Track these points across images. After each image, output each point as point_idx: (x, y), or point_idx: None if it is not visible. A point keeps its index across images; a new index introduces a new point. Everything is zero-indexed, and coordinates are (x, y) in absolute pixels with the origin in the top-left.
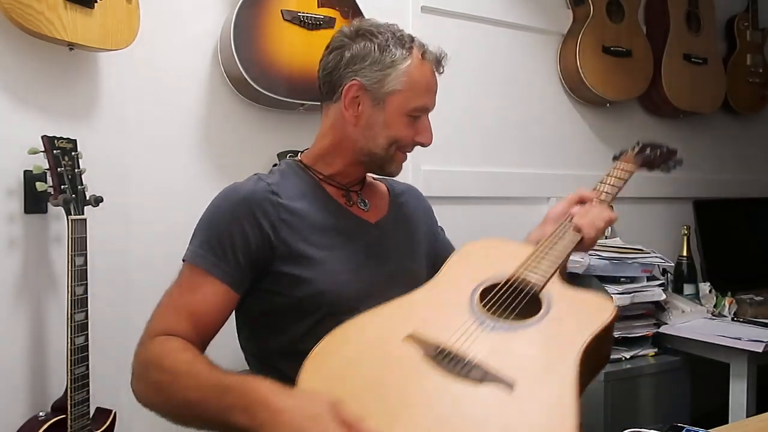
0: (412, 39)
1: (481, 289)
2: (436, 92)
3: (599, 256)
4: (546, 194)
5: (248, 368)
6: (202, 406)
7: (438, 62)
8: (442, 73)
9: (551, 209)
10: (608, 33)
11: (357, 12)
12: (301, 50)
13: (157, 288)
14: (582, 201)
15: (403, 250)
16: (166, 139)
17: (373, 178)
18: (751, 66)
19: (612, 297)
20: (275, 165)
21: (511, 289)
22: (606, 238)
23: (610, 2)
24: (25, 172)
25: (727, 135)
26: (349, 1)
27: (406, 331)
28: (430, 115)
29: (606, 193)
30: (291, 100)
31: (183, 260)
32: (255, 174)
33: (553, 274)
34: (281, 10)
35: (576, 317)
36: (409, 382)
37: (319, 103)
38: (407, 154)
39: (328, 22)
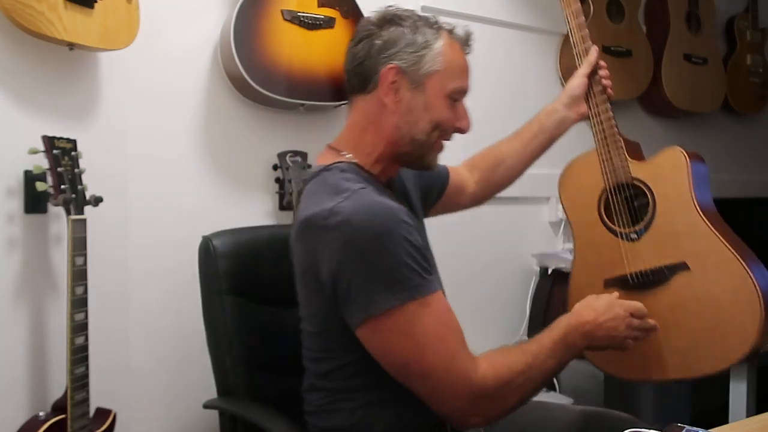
0: (436, 20)
1: (601, 213)
2: (469, 74)
3: None
4: (546, 194)
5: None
6: (560, 364)
7: (466, 42)
8: (469, 54)
9: (571, 86)
10: (608, 33)
11: (357, 12)
12: (301, 50)
13: (157, 288)
14: (592, 67)
15: (424, 234)
16: (166, 139)
17: None
18: (751, 66)
19: (675, 147)
20: (329, 170)
21: (616, 198)
22: None
23: (610, 2)
24: (25, 172)
25: (727, 135)
26: (349, 1)
27: (601, 281)
28: None
29: (587, 41)
30: (291, 100)
31: (398, 305)
32: (359, 186)
33: (627, 159)
34: (281, 10)
35: (672, 182)
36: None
37: (319, 103)
38: (443, 143)
39: (328, 22)
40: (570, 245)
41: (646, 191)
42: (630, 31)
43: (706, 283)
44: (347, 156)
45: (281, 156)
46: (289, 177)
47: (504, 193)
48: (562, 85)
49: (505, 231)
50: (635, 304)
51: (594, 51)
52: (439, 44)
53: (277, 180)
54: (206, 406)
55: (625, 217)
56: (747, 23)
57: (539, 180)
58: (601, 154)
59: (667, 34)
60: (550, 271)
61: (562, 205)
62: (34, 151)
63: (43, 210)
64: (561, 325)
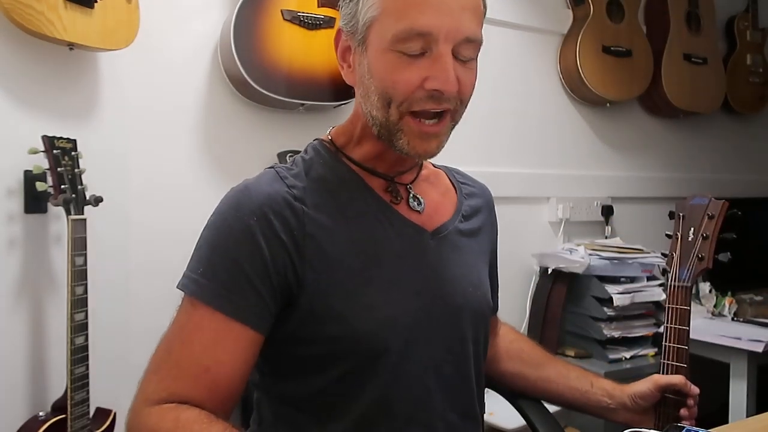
0: None
1: None
2: (450, 9)
3: (599, 256)
4: (546, 194)
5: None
6: None
7: None
8: None
9: (643, 391)
10: (608, 33)
11: None
12: (301, 50)
13: (156, 288)
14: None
15: (466, 272)
16: (166, 139)
17: (434, 166)
18: (751, 66)
19: None
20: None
21: None
22: (606, 238)
23: (610, 2)
24: (25, 172)
25: (727, 135)
26: None
27: None
28: None
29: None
30: (291, 100)
31: (179, 288)
32: (271, 167)
33: None
34: (281, 10)
35: None
36: None
37: (319, 103)
38: (429, 120)
39: (328, 22)
40: (569, 245)
41: None
42: (630, 31)
43: None
44: (328, 132)
45: (281, 156)
46: None
47: (504, 193)
48: (562, 86)
49: (505, 231)
50: None
51: (692, 392)
52: None
53: None
54: None
55: None
56: (747, 23)
57: (539, 180)
58: None
59: (667, 34)
60: (549, 271)
61: None
62: (34, 151)
63: (43, 210)
64: None
